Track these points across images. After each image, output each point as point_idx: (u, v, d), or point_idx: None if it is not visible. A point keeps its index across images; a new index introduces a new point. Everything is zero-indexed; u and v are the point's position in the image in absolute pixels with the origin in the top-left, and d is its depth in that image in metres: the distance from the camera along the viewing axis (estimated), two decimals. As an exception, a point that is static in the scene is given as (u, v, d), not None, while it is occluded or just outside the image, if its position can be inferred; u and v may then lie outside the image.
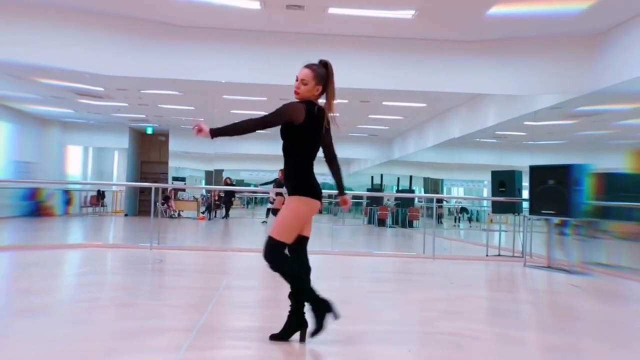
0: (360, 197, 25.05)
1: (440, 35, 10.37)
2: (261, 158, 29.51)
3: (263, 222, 17.52)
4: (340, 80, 11.76)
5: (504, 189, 10.47)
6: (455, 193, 35.85)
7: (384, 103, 15.79)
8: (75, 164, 23.61)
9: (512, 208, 10.52)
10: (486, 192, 35.33)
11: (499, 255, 10.51)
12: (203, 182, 34.50)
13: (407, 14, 8.97)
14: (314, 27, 10.07)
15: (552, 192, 8.17)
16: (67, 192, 21.43)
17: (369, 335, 4.08)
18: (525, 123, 15.07)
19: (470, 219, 25.01)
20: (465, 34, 10.29)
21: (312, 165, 3.77)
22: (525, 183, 10.20)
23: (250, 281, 6.57)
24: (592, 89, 10.05)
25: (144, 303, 4.95)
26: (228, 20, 9.99)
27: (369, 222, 22.38)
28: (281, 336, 3.69)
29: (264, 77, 11.58)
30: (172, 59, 11.18)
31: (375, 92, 13.53)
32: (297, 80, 3.79)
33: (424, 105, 15.93)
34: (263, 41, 10.55)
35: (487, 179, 31.72)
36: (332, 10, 8.96)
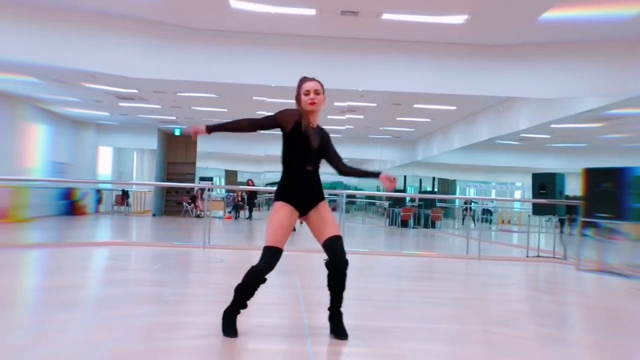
0: (377, 198, 25.04)
1: (485, 40, 10.38)
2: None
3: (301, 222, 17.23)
4: (380, 83, 11.80)
5: (544, 191, 10.49)
6: (471, 194, 35.90)
7: (414, 106, 15.83)
8: (106, 164, 23.87)
9: (553, 210, 10.54)
10: (519, 193, 35.41)
11: (538, 256, 10.47)
12: (223, 181, 34.68)
13: (460, 19, 8.99)
14: (364, 32, 10.10)
15: (606, 195, 8.18)
16: (98, 191, 21.72)
17: (476, 335, 4.13)
18: (553, 126, 15.11)
19: (490, 220, 24.97)
20: (509, 38, 10.31)
21: (293, 175, 3.78)
22: (571, 186, 10.23)
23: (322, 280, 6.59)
24: (635, 93, 10.05)
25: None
26: (283, 26, 10.06)
27: (391, 224, 22.38)
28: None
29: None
30: (218, 63, 11.27)
31: (414, 95, 13.57)
32: (308, 93, 3.77)
33: (454, 107, 15.96)
34: (316, 46, 10.63)
35: (510, 180, 31.68)
36: (386, 16, 9.00)
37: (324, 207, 3.81)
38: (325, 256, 3.74)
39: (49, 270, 6.93)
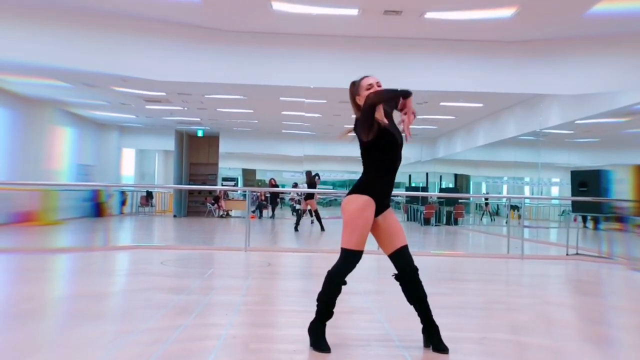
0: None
1: (526, 35, 10.01)
2: (304, 159, 29.41)
3: (312, 221, 17.06)
4: (417, 82, 11.53)
5: (585, 189, 10.18)
6: (484, 189, 35.45)
7: (441, 104, 15.54)
8: (129, 165, 23.79)
9: (596, 208, 10.20)
10: (527, 190, 35.01)
11: (577, 254, 10.11)
12: (240, 179, 34.51)
13: (508, 12, 8.64)
14: (405, 31, 9.83)
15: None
16: (122, 193, 21.59)
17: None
18: (577, 122, 14.76)
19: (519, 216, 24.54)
20: (550, 33, 9.96)
21: (383, 173, 3.54)
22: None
23: (388, 284, 6.33)
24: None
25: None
26: (323, 27, 9.84)
27: (408, 219, 22.09)
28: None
29: (341, 80, 11.47)
30: (250, 65, 11.08)
31: (443, 93, 13.31)
32: (371, 87, 3.53)
33: (480, 105, 15.66)
34: (357, 46, 10.43)
35: (524, 175, 31.22)
36: (429, 15, 8.73)
37: (391, 212, 3.58)
38: (393, 270, 3.54)
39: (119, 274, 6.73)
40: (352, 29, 9.78)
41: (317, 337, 3.43)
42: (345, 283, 3.47)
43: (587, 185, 10.15)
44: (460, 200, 21.49)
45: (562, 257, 9.95)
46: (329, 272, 3.48)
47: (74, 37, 10.58)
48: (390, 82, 11.58)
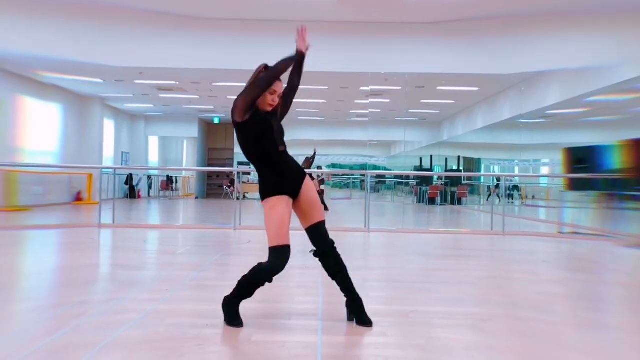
0: (407, 177, 24.37)
1: (508, 11, 9.44)
2: (315, 144, 29.11)
3: None
4: (403, 66, 11.08)
5: (583, 166, 9.63)
6: (495, 171, 34.72)
7: (438, 88, 15.07)
8: (154, 152, 24.11)
9: (594, 185, 9.66)
10: (546, 169, 34.10)
11: (576, 233, 9.48)
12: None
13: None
14: (384, 15, 9.43)
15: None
16: (149, 177, 22.12)
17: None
18: (583, 101, 14.00)
19: (521, 196, 23.99)
20: (534, 7, 9.37)
21: (272, 164, 3.24)
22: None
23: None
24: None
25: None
26: (305, 12, 9.49)
27: (418, 201, 21.68)
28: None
29: (339, 65, 11.22)
30: (245, 51, 10.90)
31: (436, 77, 12.88)
32: (274, 93, 3.23)
33: (476, 89, 15.14)
34: (338, 31, 10.09)
35: (535, 157, 30.39)
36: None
37: (309, 186, 3.26)
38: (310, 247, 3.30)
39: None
40: (333, 14, 9.38)
41: (230, 313, 3.23)
42: (271, 281, 3.21)
43: (585, 162, 9.62)
44: (463, 182, 21.00)
45: (551, 234, 9.46)
46: (259, 264, 3.23)
47: (99, 33, 10.86)
48: (371, 65, 11.18)
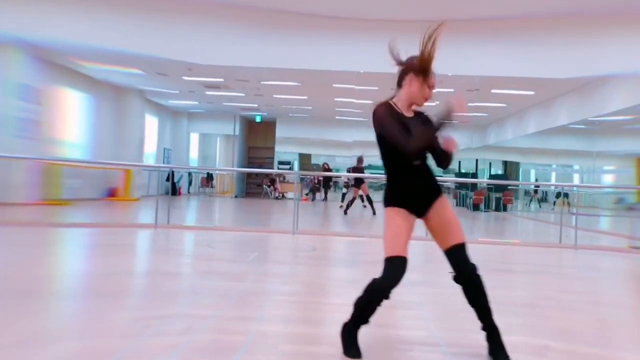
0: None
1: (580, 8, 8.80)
2: (355, 144, 28.75)
3: (340, 206, 16.07)
4: (466, 67, 10.52)
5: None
6: (533, 177, 33.82)
7: (492, 91, 14.54)
8: (194, 149, 24.18)
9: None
10: (577, 177, 33.07)
11: None
12: (296, 164, 34.25)
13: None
14: (452, 12, 8.96)
15: None
16: (189, 174, 22.17)
17: None
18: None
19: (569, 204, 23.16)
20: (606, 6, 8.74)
21: (400, 175, 2.90)
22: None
23: (436, 274, 5.67)
24: None
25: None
26: (371, 10, 9.07)
27: (457, 205, 21.10)
28: None
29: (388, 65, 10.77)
30: (301, 50, 10.55)
31: (492, 80, 12.39)
32: (432, 87, 2.89)
33: (532, 93, 14.55)
34: (405, 30, 9.62)
35: (571, 162, 29.27)
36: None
37: (442, 205, 2.90)
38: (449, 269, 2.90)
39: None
40: (400, 13, 8.94)
41: (348, 343, 2.87)
42: (388, 297, 2.85)
43: None
44: (509, 187, 20.35)
45: (621, 249, 8.87)
46: (373, 280, 2.88)
47: (145, 23, 10.48)
48: (438, 67, 10.63)
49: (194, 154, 24.22)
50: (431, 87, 2.89)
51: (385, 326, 3.45)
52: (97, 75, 14.99)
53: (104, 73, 14.59)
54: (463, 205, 20.37)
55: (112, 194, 15.95)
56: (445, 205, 2.93)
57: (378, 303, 2.86)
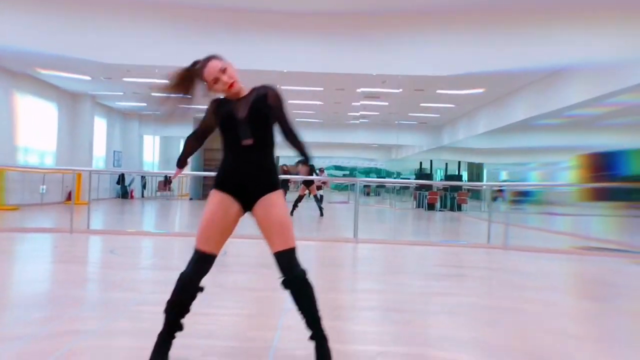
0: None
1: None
2: (314, 146, 28.52)
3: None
4: (402, 67, 10.25)
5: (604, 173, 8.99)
6: (503, 177, 33.92)
7: (437, 91, 14.41)
8: (150, 152, 23.67)
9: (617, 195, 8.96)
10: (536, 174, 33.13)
11: (593, 247, 8.60)
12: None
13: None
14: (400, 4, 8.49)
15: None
16: (142, 177, 21.67)
17: None
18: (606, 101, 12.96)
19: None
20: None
21: (228, 156, 2.74)
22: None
23: (316, 278, 5.43)
24: None
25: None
26: (297, 1, 8.65)
27: (418, 206, 21.01)
28: None
29: (327, 65, 10.55)
30: (240, 47, 10.16)
31: (436, 79, 12.25)
32: (217, 81, 2.70)
33: (481, 90, 14.39)
34: (332, 26, 9.31)
35: (535, 160, 29.39)
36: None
37: (272, 202, 2.64)
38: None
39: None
40: (324, 4, 8.48)
41: (156, 352, 2.61)
42: (195, 289, 2.63)
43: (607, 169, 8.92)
44: (464, 187, 20.31)
45: (564, 250, 8.57)
46: (180, 274, 2.67)
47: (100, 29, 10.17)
48: (367, 66, 10.26)
49: (148, 157, 23.68)
50: (214, 81, 2.70)
51: (216, 335, 3.16)
52: (51, 81, 15.25)
53: (57, 79, 14.88)
54: (422, 206, 20.27)
55: (69, 198, 15.97)
56: (275, 203, 2.66)
57: (187, 299, 2.63)
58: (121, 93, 16.53)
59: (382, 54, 10.53)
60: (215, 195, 2.68)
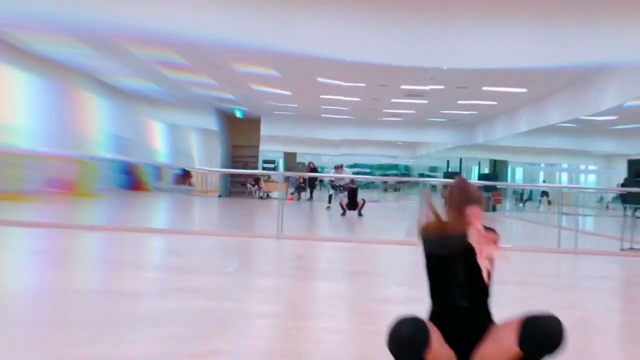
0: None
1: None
2: (342, 143, 28.15)
3: (327, 207, 15.12)
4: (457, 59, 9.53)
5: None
6: (520, 175, 33.50)
7: (483, 88, 14.00)
8: (158, 140, 22.65)
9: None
10: (566, 176, 32.71)
11: (631, 249, 8.40)
12: (281, 162, 33.51)
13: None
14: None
15: None
16: (157, 168, 20.78)
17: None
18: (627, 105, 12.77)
19: (550, 202, 22.83)
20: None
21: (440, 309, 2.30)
22: None
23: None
24: None
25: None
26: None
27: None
28: None
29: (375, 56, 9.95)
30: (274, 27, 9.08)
31: (483, 75, 11.80)
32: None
33: (524, 90, 14.02)
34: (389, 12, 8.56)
35: (557, 162, 28.79)
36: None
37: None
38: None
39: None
40: None
41: None
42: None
43: None
44: (498, 187, 19.89)
45: (615, 252, 8.30)
46: None
47: None
48: (436, 60, 9.52)
49: (157, 145, 22.69)
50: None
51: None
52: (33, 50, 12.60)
53: (43, 49, 12.45)
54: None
55: (60, 187, 13.50)
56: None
57: None
58: (128, 70, 14.41)
59: (434, 46, 9.99)
60: None
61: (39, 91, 13.75)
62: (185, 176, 22.62)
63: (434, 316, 2.28)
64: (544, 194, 23.80)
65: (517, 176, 33.77)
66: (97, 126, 16.70)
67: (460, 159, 23.66)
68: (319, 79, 13.47)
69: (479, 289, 2.23)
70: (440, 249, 2.24)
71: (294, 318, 3.58)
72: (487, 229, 2.19)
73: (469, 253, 2.06)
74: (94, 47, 11.99)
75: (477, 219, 2.12)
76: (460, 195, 2.25)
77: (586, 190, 25.42)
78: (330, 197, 14.87)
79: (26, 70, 13.05)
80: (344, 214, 12.81)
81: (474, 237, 2.04)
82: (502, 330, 2.17)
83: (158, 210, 13.88)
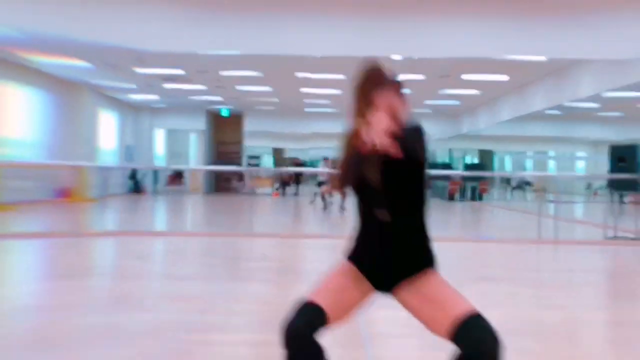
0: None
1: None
2: (329, 136, 27.92)
3: (311, 202, 14.69)
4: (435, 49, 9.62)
5: (623, 164, 8.52)
6: (509, 164, 33.48)
7: (462, 77, 13.80)
8: (160, 145, 23.06)
9: (633, 186, 8.56)
10: (554, 163, 32.65)
11: (615, 237, 8.31)
12: (270, 159, 33.27)
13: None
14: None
15: None
16: (155, 172, 20.99)
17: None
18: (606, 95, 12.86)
19: (536, 190, 22.78)
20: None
21: (361, 227, 2.05)
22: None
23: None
24: None
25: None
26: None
27: (433, 196, 20.42)
28: None
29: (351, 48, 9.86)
30: (257, 32, 9.47)
31: (463, 64, 11.63)
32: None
33: (506, 78, 13.82)
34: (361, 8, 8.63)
35: (545, 149, 28.88)
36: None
37: (429, 282, 1.90)
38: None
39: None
40: None
41: None
42: (286, 349, 1.80)
43: (625, 161, 8.48)
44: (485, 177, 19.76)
45: (599, 241, 8.22)
46: None
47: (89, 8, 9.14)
48: (407, 50, 9.58)
49: (159, 150, 23.09)
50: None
51: None
52: (42, 69, 13.53)
53: (49, 67, 13.21)
54: (439, 197, 19.72)
55: (63, 195, 14.34)
56: (433, 281, 1.90)
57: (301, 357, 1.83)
58: (133, 86, 15.79)
59: (409, 37, 9.92)
60: (342, 266, 2.04)
61: (49, 105, 14.69)
62: (175, 177, 22.55)
63: (355, 247, 1.98)
64: (527, 183, 23.74)
65: (506, 166, 33.69)
66: (110, 136, 18.17)
67: (449, 149, 23.56)
68: (297, 74, 13.32)
69: (405, 198, 1.90)
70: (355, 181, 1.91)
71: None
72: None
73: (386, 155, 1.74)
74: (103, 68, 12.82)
75: (386, 108, 1.79)
76: (365, 84, 1.92)
77: (572, 177, 25.41)
78: (315, 194, 14.61)
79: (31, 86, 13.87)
80: (325, 207, 12.66)
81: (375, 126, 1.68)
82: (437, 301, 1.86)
83: (134, 212, 13.68)
